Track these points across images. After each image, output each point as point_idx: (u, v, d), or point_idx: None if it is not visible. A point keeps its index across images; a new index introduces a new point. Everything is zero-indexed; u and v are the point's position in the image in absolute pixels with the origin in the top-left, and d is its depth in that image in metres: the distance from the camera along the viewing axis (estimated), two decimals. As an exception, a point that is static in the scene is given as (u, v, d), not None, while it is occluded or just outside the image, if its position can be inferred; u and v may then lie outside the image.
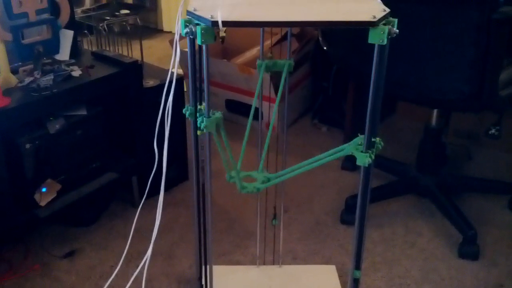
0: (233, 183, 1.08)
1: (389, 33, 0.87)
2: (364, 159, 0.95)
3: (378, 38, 0.87)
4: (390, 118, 2.46)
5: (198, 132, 1.01)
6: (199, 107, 1.02)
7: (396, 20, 0.90)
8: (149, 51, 3.26)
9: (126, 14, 3.45)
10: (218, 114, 0.99)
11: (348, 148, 0.98)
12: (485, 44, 1.35)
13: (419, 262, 1.60)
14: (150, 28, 3.83)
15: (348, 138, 2.24)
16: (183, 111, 1.04)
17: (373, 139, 0.96)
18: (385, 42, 0.87)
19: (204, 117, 0.98)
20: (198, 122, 0.99)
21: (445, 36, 1.41)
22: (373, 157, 0.96)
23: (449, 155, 2.01)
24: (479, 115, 2.04)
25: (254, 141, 1.23)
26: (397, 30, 0.88)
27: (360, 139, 0.97)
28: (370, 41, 0.88)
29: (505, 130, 1.71)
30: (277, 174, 1.10)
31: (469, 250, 1.61)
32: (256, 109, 1.29)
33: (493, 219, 1.79)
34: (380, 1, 0.98)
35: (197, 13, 0.89)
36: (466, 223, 1.64)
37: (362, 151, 0.96)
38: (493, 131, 1.62)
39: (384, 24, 0.88)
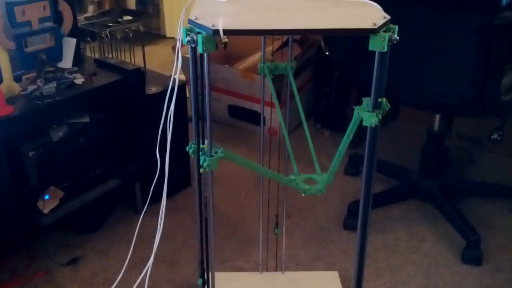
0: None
1: (390, 40, 0.88)
2: (371, 119, 0.94)
3: (378, 45, 0.87)
4: (392, 122, 2.46)
5: (201, 170, 1.02)
6: (201, 146, 1.03)
7: (396, 27, 0.90)
8: (151, 57, 3.26)
9: (129, 21, 3.47)
10: (220, 153, 1.00)
11: (356, 111, 0.98)
12: (487, 49, 1.35)
13: (423, 268, 1.60)
14: (153, 34, 3.84)
15: (350, 142, 2.24)
16: (187, 149, 1.05)
17: (379, 100, 0.94)
18: (385, 49, 0.87)
19: (207, 156, 0.99)
20: (201, 161, 1.00)
21: (446, 41, 1.41)
22: (380, 117, 0.94)
23: (452, 159, 2.01)
24: (482, 119, 2.04)
25: (257, 146, 1.24)
26: (398, 37, 0.89)
27: (367, 100, 0.96)
28: (370, 48, 0.88)
29: (508, 135, 1.71)
30: (331, 168, 1.10)
31: (472, 255, 1.61)
32: (258, 114, 1.29)
33: (497, 224, 1.78)
34: (381, 8, 0.98)
35: (198, 21, 0.89)
36: (469, 228, 1.63)
37: (368, 111, 0.94)
38: (495, 136, 1.62)
39: (385, 31, 0.88)
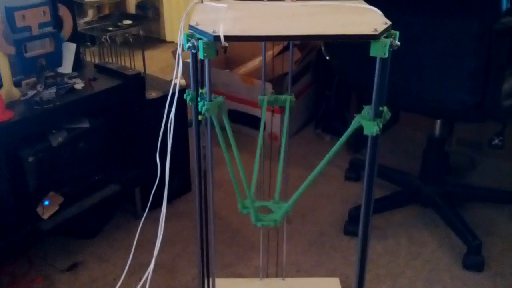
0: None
1: (391, 46, 0.87)
2: (372, 128, 0.93)
3: (379, 51, 0.87)
4: (393, 127, 2.46)
5: (200, 117, 0.99)
6: (200, 91, 1.00)
7: (397, 33, 0.90)
8: (151, 61, 3.27)
9: (129, 25, 3.48)
10: (220, 98, 0.98)
11: (356, 121, 0.97)
12: (487, 54, 1.35)
13: (424, 274, 1.59)
14: (153, 38, 3.84)
15: (351, 147, 2.24)
16: (184, 96, 1.03)
17: (380, 108, 0.94)
18: (386, 55, 0.87)
19: (206, 101, 0.97)
20: (200, 106, 0.97)
21: (447, 47, 1.41)
22: (381, 126, 0.94)
23: (453, 164, 2.01)
24: (483, 125, 2.04)
25: (255, 150, 1.23)
26: (399, 43, 0.88)
27: (368, 109, 0.95)
28: (371, 54, 0.87)
29: (509, 140, 1.71)
30: (293, 198, 1.06)
31: (474, 261, 1.60)
32: (258, 119, 1.29)
33: (498, 229, 1.78)
34: (382, 13, 0.98)
35: (199, 27, 0.89)
36: (470, 233, 1.63)
37: (369, 120, 0.94)
38: (496, 141, 1.61)
39: (386, 37, 0.88)
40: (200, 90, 1.00)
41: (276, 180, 1.16)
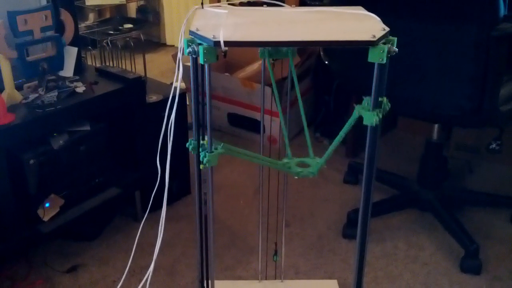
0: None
1: (389, 52, 0.89)
2: (371, 118, 0.94)
3: (377, 57, 0.88)
4: (391, 132, 2.47)
5: (201, 166, 1.02)
6: (201, 142, 1.03)
7: (395, 39, 0.91)
8: (152, 65, 3.28)
9: (130, 29, 3.49)
10: (220, 149, 1.01)
11: (356, 110, 0.98)
12: (485, 60, 1.36)
13: (421, 277, 1.60)
14: (153, 42, 3.86)
15: (350, 152, 2.25)
16: (186, 145, 1.06)
17: (380, 99, 0.95)
18: (384, 61, 0.88)
19: (207, 152, 0.99)
20: (201, 157, 1.01)
21: (444, 52, 1.43)
22: (380, 116, 0.95)
23: (451, 169, 2.02)
24: (480, 129, 2.05)
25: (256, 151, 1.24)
26: (397, 49, 0.90)
27: (367, 99, 0.96)
28: (370, 60, 0.89)
29: (507, 145, 1.72)
30: (327, 153, 1.12)
31: (471, 264, 1.61)
32: (258, 122, 1.30)
33: (495, 233, 1.79)
34: (380, 20, 0.99)
35: (199, 33, 0.90)
36: (468, 237, 1.64)
37: (369, 110, 0.95)
38: (494, 146, 1.63)
39: (384, 43, 0.89)
40: (201, 142, 1.02)
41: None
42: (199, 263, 1.20)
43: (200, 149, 1.02)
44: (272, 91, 1.29)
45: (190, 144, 1.05)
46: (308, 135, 1.18)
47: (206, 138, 1.01)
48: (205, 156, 0.99)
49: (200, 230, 1.18)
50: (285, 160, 1.14)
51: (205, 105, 1.00)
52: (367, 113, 0.95)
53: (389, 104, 0.97)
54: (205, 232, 1.18)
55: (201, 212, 1.16)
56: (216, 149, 1.01)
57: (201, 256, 1.20)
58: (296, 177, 1.14)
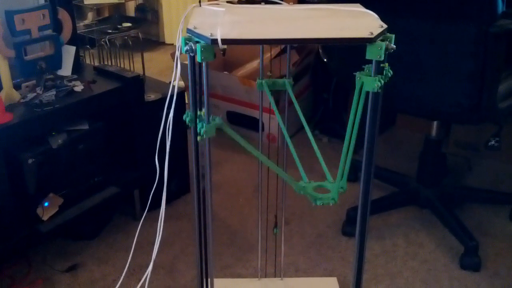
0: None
1: (387, 49, 0.89)
2: (373, 84, 0.92)
3: (375, 54, 0.88)
4: (390, 129, 2.47)
5: (198, 138, 1.01)
6: (199, 113, 1.02)
7: (393, 36, 0.91)
8: (150, 64, 3.28)
9: (128, 28, 3.49)
10: (218, 120, 1.00)
11: (357, 76, 0.96)
12: (483, 57, 1.36)
13: (421, 274, 1.60)
14: (152, 40, 3.86)
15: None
16: (183, 117, 1.05)
17: (381, 65, 0.93)
18: (382, 58, 0.88)
19: (204, 123, 0.98)
20: (198, 128, 0.99)
21: (443, 49, 1.43)
22: (382, 82, 0.93)
23: (450, 166, 2.02)
24: (479, 126, 2.05)
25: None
26: (394, 46, 0.90)
27: (369, 66, 0.95)
28: (367, 57, 0.89)
29: (505, 141, 1.72)
30: (344, 174, 1.05)
31: (470, 261, 1.61)
32: (257, 121, 1.30)
33: (494, 230, 1.79)
34: (378, 17, 0.99)
35: (197, 31, 0.90)
36: (467, 234, 1.64)
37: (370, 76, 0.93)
38: (493, 142, 1.62)
39: (382, 40, 0.89)
40: (198, 112, 1.02)
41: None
42: (198, 261, 1.20)
43: (198, 120, 1.00)
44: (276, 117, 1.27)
45: (187, 116, 1.03)
46: (321, 158, 1.13)
47: (203, 109, 0.99)
48: (202, 127, 0.98)
49: (199, 228, 1.18)
50: (302, 184, 1.09)
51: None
52: (369, 79, 0.93)
53: (391, 72, 0.95)
54: (204, 230, 1.18)
55: (199, 209, 1.16)
56: (213, 120, 1.00)
57: (200, 254, 1.20)
58: (314, 204, 1.09)
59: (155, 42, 3.85)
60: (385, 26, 0.92)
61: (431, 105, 1.52)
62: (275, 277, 1.55)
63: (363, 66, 0.97)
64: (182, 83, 2.36)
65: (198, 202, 1.16)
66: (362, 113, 1.00)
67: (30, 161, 1.47)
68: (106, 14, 3.73)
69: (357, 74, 0.96)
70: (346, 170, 1.05)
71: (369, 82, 0.93)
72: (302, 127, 2.48)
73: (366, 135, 0.97)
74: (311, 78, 2.49)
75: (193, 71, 1.01)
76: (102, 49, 2.13)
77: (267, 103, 2.20)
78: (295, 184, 1.07)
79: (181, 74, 1.00)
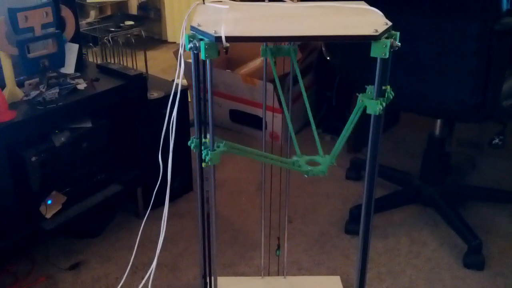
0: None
1: (391, 47, 0.88)
2: (375, 107, 0.94)
3: (380, 51, 0.88)
4: (393, 128, 2.47)
5: (203, 165, 1.02)
6: (204, 140, 1.03)
7: (398, 34, 0.91)
8: (153, 62, 3.28)
9: (131, 26, 3.49)
10: (223, 147, 1.00)
11: (359, 99, 0.98)
12: (487, 55, 1.36)
13: (424, 272, 1.60)
14: (154, 39, 3.85)
15: (352, 147, 2.24)
16: (188, 143, 1.05)
17: (383, 88, 0.95)
18: (387, 56, 0.88)
19: (209, 150, 0.99)
20: (203, 155, 1.00)
21: (447, 47, 1.42)
22: (383, 105, 0.94)
23: (453, 164, 2.01)
24: (483, 125, 2.04)
25: (258, 150, 1.24)
26: (399, 44, 0.89)
27: (370, 88, 0.96)
28: (372, 54, 0.88)
29: (509, 140, 1.71)
30: (335, 151, 1.10)
31: (474, 260, 1.61)
32: (260, 119, 1.29)
33: (498, 229, 1.78)
34: (382, 14, 0.99)
35: (201, 28, 0.90)
36: (470, 233, 1.63)
37: (372, 99, 0.95)
38: (496, 141, 1.62)
39: (386, 38, 0.89)
40: (203, 140, 1.02)
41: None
42: (201, 260, 1.20)
43: (202, 147, 1.01)
44: (275, 88, 1.28)
45: (192, 143, 1.04)
46: (316, 132, 1.17)
47: (208, 136, 1.00)
48: (207, 155, 0.99)
49: (202, 227, 1.18)
50: (295, 158, 1.13)
51: (206, 101, 0.99)
52: (371, 102, 0.94)
53: (393, 93, 0.97)
54: (208, 229, 1.18)
55: (203, 210, 1.16)
56: (218, 147, 1.00)
57: (203, 252, 1.19)
58: (306, 176, 1.13)
59: (157, 40, 3.85)
60: (390, 23, 0.92)
61: (434, 103, 1.52)
62: (278, 275, 1.54)
63: (366, 87, 0.98)
64: (185, 81, 2.35)
65: (201, 201, 1.15)
66: (363, 112, 1.00)
67: (33, 159, 1.47)
68: (109, 13, 3.73)
69: (359, 96, 0.98)
70: (339, 148, 1.10)
71: (371, 105, 0.95)
72: (306, 125, 2.49)
73: (370, 135, 0.96)
74: (314, 76, 2.49)
75: (197, 69, 1.01)
76: (105, 47, 2.13)
77: (270, 101, 2.20)
78: (288, 160, 1.09)
79: (183, 73, 1.00)
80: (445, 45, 1.42)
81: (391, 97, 0.97)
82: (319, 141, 1.16)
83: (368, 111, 0.96)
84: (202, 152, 1.01)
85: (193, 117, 1.06)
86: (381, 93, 0.94)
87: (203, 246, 1.19)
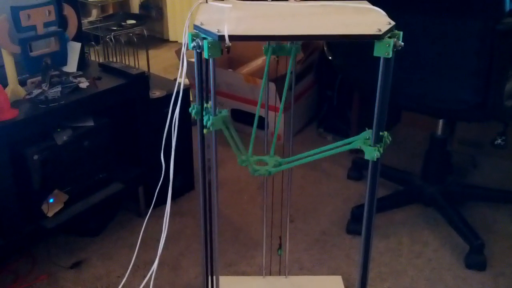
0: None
1: (395, 46, 0.88)
2: (372, 153, 0.95)
3: (383, 51, 0.88)
4: (395, 127, 2.47)
5: (205, 131, 1.00)
6: (205, 105, 1.02)
7: (401, 33, 0.91)
8: (155, 61, 3.28)
9: (133, 25, 3.49)
10: (225, 112, 0.99)
11: (357, 142, 0.98)
12: (490, 54, 1.36)
13: (426, 272, 1.60)
14: (156, 38, 3.85)
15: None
16: (189, 110, 1.04)
17: (381, 133, 0.95)
18: (390, 55, 0.88)
19: (211, 115, 0.98)
20: (205, 121, 0.99)
21: (449, 47, 1.42)
22: (381, 151, 0.95)
23: (455, 164, 2.01)
24: (485, 124, 2.04)
25: (259, 149, 1.24)
26: (402, 43, 0.89)
27: (368, 133, 0.97)
28: (375, 54, 0.88)
29: (511, 139, 1.71)
30: (288, 159, 1.10)
31: (476, 260, 1.61)
32: (262, 118, 1.29)
33: (500, 229, 1.78)
34: (385, 14, 0.99)
35: (204, 27, 0.90)
36: (472, 233, 1.63)
37: (370, 145, 0.96)
38: (499, 141, 1.62)
39: (389, 37, 0.89)
40: (205, 105, 1.01)
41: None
42: (203, 258, 1.21)
43: (204, 112, 1.00)
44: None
45: (193, 109, 1.03)
46: (277, 130, 1.16)
47: (209, 102, 0.98)
48: (208, 119, 0.97)
49: (204, 226, 1.18)
50: (243, 158, 1.11)
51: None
52: (368, 148, 0.96)
53: (390, 138, 0.99)
54: (210, 227, 1.18)
55: (205, 205, 1.16)
56: (220, 112, 0.99)
57: (205, 251, 1.20)
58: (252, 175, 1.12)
59: (159, 39, 3.85)
60: (393, 23, 0.92)
61: (436, 103, 1.52)
62: (279, 275, 1.54)
63: (366, 129, 1.00)
64: (186, 81, 2.36)
65: (203, 198, 1.15)
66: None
67: (35, 157, 1.47)
68: (111, 11, 3.73)
69: (357, 140, 0.99)
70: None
71: (369, 152, 0.96)
72: (307, 125, 2.49)
73: (373, 135, 0.97)
74: (316, 75, 2.49)
75: (200, 68, 1.01)
76: (107, 46, 2.13)
77: (272, 101, 2.20)
78: (239, 157, 1.08)
79: (186, 73, 1.00)
80: (447, 44, 1.42)
81: (388, 142, 0.99)
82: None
83: (366, 157, 0.97)
84: (204, 117, 0.99)
85: (195, 117, 1.05)
86: (379, 139, 0.95)
87: (205, 245, 1.19)
